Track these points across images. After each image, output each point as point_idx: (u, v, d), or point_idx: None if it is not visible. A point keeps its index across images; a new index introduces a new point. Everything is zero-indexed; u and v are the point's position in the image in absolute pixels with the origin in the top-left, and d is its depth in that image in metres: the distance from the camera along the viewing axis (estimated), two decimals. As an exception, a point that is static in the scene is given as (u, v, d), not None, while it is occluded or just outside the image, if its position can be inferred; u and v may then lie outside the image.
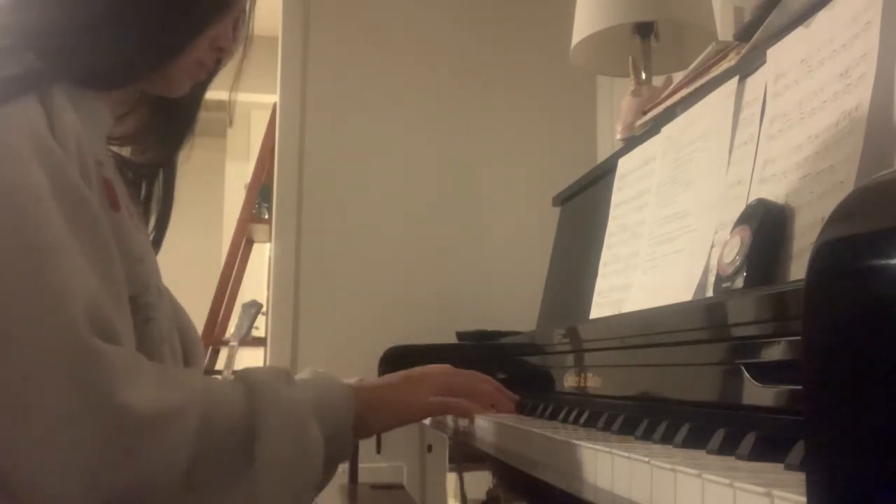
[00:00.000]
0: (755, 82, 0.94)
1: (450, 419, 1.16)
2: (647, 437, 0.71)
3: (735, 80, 0.98)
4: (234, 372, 0.84)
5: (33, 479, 0.65)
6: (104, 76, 0.83)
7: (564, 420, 0.92)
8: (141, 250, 0.85)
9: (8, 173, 0.69)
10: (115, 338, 0.71)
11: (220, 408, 0.75)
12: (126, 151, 0.99)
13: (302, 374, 0.89)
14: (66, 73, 0.79)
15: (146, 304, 0.82)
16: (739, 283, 0.78)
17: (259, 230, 3.32)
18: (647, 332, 0.86)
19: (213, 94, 1.02)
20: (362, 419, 0.87)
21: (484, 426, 0.99)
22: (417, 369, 0.98)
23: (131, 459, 0.68)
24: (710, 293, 0.87)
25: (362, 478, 1.82)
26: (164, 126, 0.98)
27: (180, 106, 0.97)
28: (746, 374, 0.65)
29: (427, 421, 1.18)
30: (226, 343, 3.24)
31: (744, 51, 1.06)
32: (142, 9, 0.83)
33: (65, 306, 0.67)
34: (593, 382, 1.00)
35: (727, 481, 0.44)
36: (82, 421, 0.66)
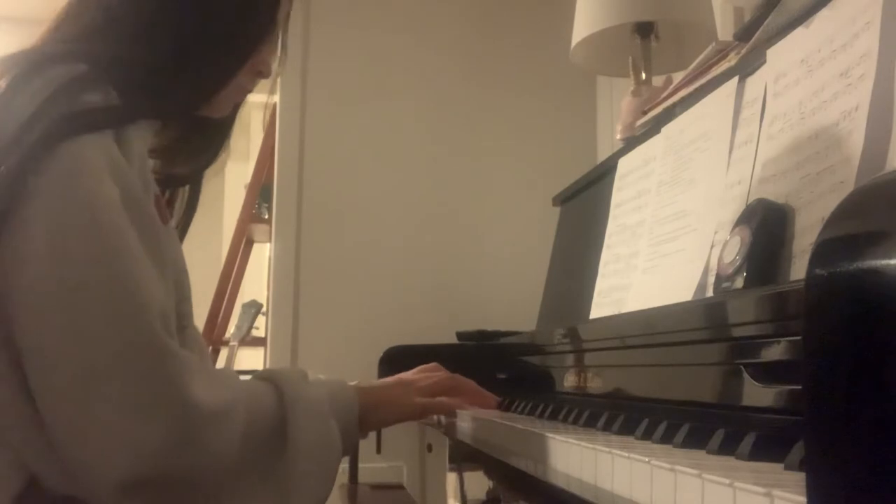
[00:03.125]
0: (755, 82, 0.94)
1: (439, 417, 1.17)
2: (647, 437, 0.71)
3: (735, 80, 0.98)
4: (257, 372, 0.91)
5: (99, 462, 0.71)
6: (167, 110, 0.90)
7: (564, 420, 0.92)
8: (183, 261, 0.91)
9: (87, 186, 0.75)
10: (175, 341, 0.77)
11: (260, 405, 0.82)
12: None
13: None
14: (140, 111, 0.84)
15: (183, 313, 0.89)
16: (739, 283, 0.78)
17: (259, 230, 3.31)
18: (647, 332, 0.86)
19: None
20: (364, 418, 0.94)
21: (483, 426, 0.99)
22: (409, 373, 1.06)
23: (192, 450, 0.74)
24: (710, 293, 0.87)
25: (362, 478, 1.82)
26: (196, 142, 1.02)
27: (213, 124, 1.00)
28: (746, 374, 0.65)
29: (429, 420, 1.18)
30: (226, 343, 3.24)
31: (744, 51, 1.06)
32: (204, 46, 0.89)
33: (144, 309, 0.73)
34: (593, 382, 1.00)
35: (727, 481, 0.44)
36: (152, 413, 0.72)
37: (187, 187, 1.04)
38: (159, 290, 0.77)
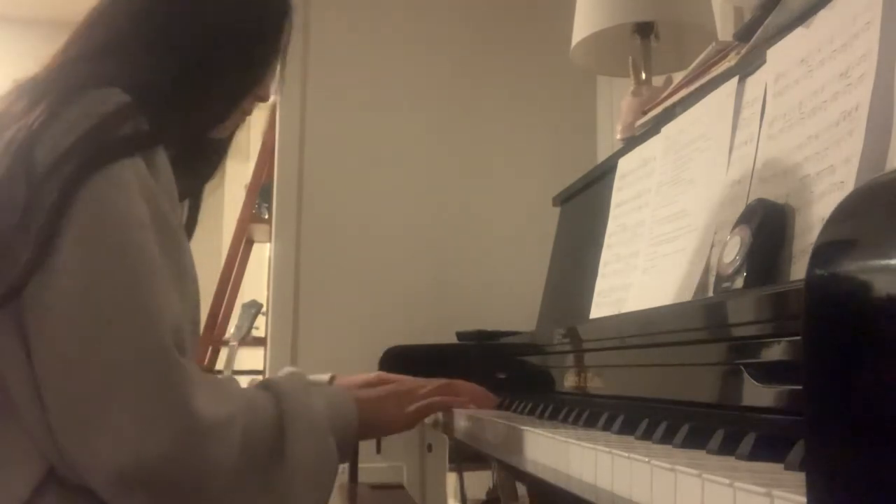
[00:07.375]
0: (755, 82, 0.94)
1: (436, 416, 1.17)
2: (646, 437, 0.71)
3: (735, 80, 0.98)
4: (259, 381, 0.95)
5: (103, 462, 0.75)
6: (188, 133, 0.95)
7: (564, 420, 0.92)
8: (194, 271, 0.94)
9: (119, 207, 0.80)
10: (185, 354, 0.82)
11: (258, 416, 0.85)
12: None
13: (315, 377, 1.02)
14: (166, 136, 0.89)
15: (193, 321, 0.92)
16: (739, 283, 0.78)
17: (259, 230, 3.31)
18: (647, 332, 0.86)
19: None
20: (361, 430, 0.98)
21: (483, 426, 0.99)
22: (404, 383, 1.08)
23: (192, 458, 0.78)
24: (710, 293, 0.87)
25: (362, 478, 1.82)
26: (196, 161, 1.05)
27: (213, 143, 1.05)
28: (746, 374, 0.65)
29: (429, 420, 1.18)
30: (226, 343, 3.23)
31: (744, 51, 1.06)
32: (218, 73, 0.95)
33: (158, 324, 0.78)
34: (593, 382, 0.99)
35: (727, 481, 0.44)
36: (159, 421, 0.76)
37: (187, 202, 1.07)
38: (175, 305, 0.82)
